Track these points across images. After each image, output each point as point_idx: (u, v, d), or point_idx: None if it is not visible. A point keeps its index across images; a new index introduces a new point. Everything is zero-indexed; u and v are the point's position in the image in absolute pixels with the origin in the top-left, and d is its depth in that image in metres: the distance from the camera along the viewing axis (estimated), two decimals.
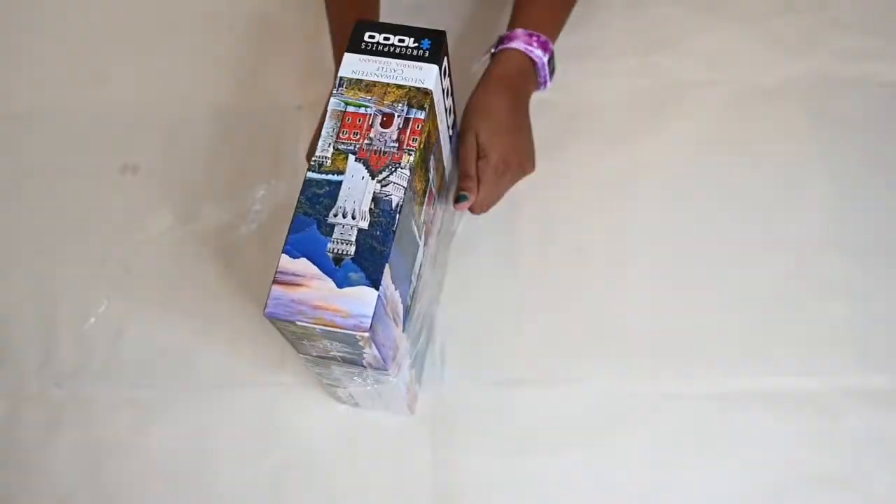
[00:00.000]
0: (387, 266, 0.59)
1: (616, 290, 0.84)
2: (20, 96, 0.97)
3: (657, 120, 0.91)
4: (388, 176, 0.61)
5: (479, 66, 0.84)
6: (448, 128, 0.74)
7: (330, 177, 0.61)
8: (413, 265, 0.69)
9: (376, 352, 0.60)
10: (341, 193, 0.61)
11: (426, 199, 0.70)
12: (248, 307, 0.84)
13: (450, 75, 0.71)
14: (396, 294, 0.64)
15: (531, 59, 0.80)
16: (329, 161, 0.62)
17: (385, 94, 0.64)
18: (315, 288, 0.58)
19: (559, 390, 0.80)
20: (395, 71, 0.65)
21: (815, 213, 0.86)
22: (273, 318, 0.58)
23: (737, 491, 0.76)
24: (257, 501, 0.77)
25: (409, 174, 0.61)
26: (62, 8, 1.02)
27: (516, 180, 0.82)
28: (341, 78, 0.65)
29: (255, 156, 0.91)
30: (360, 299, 0.57)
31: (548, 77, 0.83)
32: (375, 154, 0.62)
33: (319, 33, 0.97)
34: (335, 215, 0.60)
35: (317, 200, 0.61)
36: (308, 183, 0.61)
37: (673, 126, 0.90)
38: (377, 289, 0.58)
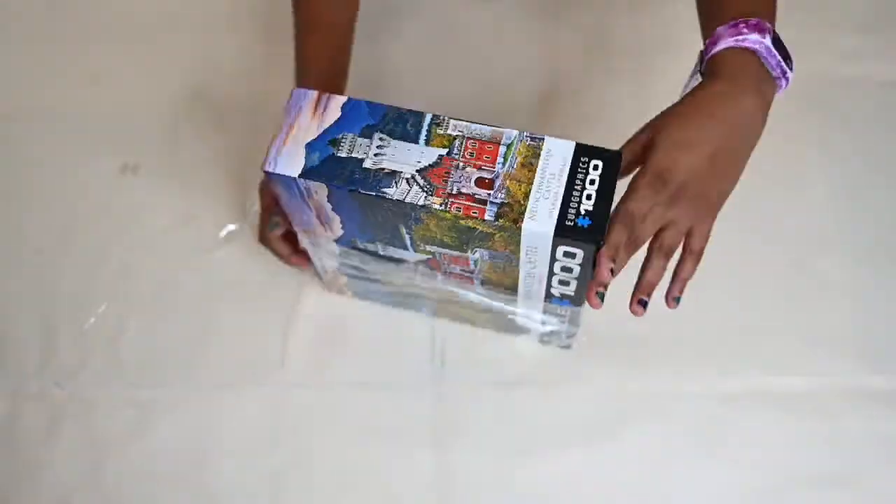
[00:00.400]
0: (325, 187, 0.59)
1: (615, 290, 0.84)
2: (20, 96, 0.97)
3: None
4: (421, 183, 0.58)
5: (685, 91, 0.68)
6: (532, 276, 0.64)
7: (423, 131, 0.59)
8: (384, 241, 0.67)
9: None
10: (405, 143, 0.59)
11: (450, 251, 0.65)
12: (248, 307, 0.84)
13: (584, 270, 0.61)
14: (332, 215, 0.64)
15: (750, 52, 0.60)
16: (442, 129, 0.59)
17: (518, 180, 0.57)
18: (309, 118, 0.60)
19: (559, 390, 0.80)
20: (547, 187, 0.57)
21: (816, 213, 0.86)
22: (288, 104, 0.61)
23: (737, 491, 0.76)
24: (257, 501, 0.78)
25: (423, 203, 0.57)
26: (62, 8, 1.02)
27: (692, 216, 0.59)
28: (539, 137, 0.58)
29: (254, 156, 0.91)
30: (292, 163, 0.59)
31: (783, 65, 0.62)
32: (443, 174, 0.58)
33: None
34: (382, 138, 0.59)
35: (401, 122, 0.59)
36: (418, 114, 0.60)
37: None
38: (299, 177, 0.59)
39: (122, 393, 0.81)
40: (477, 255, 0.64)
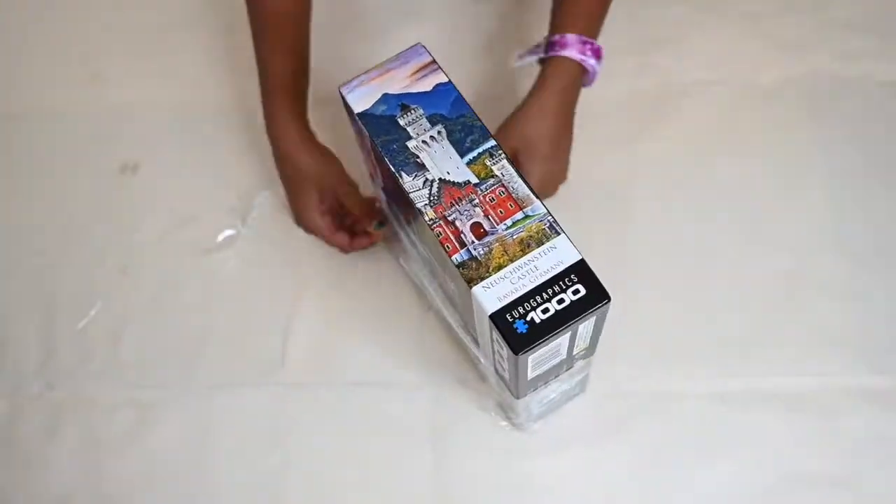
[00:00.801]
0: (367, 136, 0.61)
1: (615, 290, 0.83)
2: (20, 96, 0.97)
3: (657, 120, 0.91)
4: (433, 191, 0.58)
5: (520, 63, 0.83)
6: (483, 338, 0.62)
7: (476, 151, 0.59)
8: (404, 213, 0.68)
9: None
10: (452, 150, 0.59)
11: (436, 263, 0.66)
12: (249, 307, 0.84)
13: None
14: (375, 162, 0.65)
15: (583, 68, 0.78)
16: (491, 161, 0.58)
17: (506, 250, 0.55)
18: (406, 75, 0.61)
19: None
20: (522, 274, 0.55)
21: (815, 213, 0.86)
22: (403, 52, 0.62)
23: (736, 490, 0.76)
24: (257, 501, 0.78)
25: (419, 207, 0.58)
26: (62, 8, 1.02)
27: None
28: (558, 230, 0.56)
29: (254, 156, 0.91)
30: (362, 99, 0.61)
31: (593, 81, 0.81)
32: (456, 198, 0.57)
33: (319, 32, 0.97)
34: (440, 132, 0.60)
35: (467, 130, 0.59)
36: (485, 134, 0.59)
37: (673, 126, 0.90)
38: (356, 114, 0.61)
39: (122, 393, 0.81)
40: (452, 286, 0.63)
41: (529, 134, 0.76)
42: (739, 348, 0.81)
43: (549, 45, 0.78)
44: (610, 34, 0.95)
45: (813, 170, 0.88)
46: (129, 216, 0.89)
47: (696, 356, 0.80)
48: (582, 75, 0.78)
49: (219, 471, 0.78)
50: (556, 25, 0.79)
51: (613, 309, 0.82)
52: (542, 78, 0.78)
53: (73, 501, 0.78)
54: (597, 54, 0.78)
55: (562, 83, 0.77)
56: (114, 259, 0.87)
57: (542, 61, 0.79)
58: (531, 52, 0.82)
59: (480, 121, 0.60)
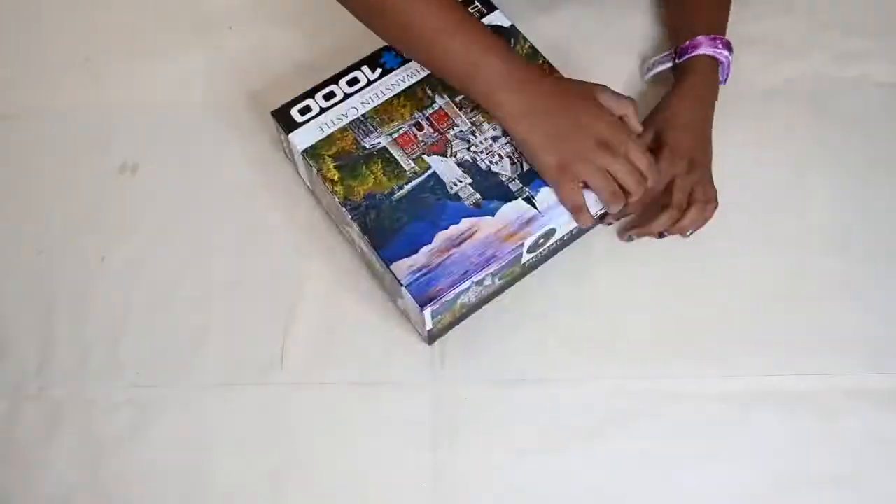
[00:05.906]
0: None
1: (616, 289, 0.84)
2: (20, 96, 0.97)
3: None
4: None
5: (650, 75, 0.90)
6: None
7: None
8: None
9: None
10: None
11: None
12: (248, 307, 0.84)
13: None
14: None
15: (717, 61, 0.84)
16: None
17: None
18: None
19: (559, 390, 0.80)
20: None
21: (816, 213, 0.86)
22: None
23: (736, 490, 0.76)
24: (257, 501, 0.77)
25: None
26: (62, 8, 1.02)
27: (696, 181, 0.81)
28: None
29: (253, 155, 0.91)
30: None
31: (728, 74, 0.86)
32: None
33: (319, 33, 0.97)
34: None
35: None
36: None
37: None
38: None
39: (122, 393, 0.81)
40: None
41: (673, 119, 0.82)
42: (739, 348, 0.81)
43: (680, 50, 0.85)
44: (609, 34, 0.96)
45: (813, 170, 0.88)
46: (129, 216, 0.89)
47: (696, 356, 0.80)
48: (716, 72, 0.84)
49: (218, 471, 0.78)
50: (682, 29, 0.86)
51: (614, 308, 0.83)
52: (680, 77, 0.85)
53: (73, 501, 0.78)
54: (728, 47, 0.84)
55: (695, 80, 0.83)
56: (113, 258, 0.87)
57: (675, 67, 0.86)
58: (661, 61, 0.88)
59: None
